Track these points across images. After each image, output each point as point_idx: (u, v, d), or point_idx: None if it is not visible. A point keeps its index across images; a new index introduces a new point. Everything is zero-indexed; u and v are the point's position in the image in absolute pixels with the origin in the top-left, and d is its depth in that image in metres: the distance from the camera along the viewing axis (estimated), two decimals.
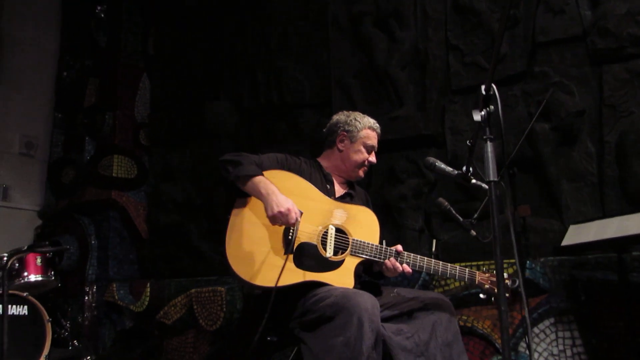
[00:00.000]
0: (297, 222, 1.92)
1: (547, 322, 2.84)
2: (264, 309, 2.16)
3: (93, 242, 4.54)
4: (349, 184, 2.45)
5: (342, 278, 2.00)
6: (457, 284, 3.08)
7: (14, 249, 3.32)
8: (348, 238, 2.07)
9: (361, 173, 2.36)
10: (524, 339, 2.82)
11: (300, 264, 1.97)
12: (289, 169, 2.22)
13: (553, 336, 2.82)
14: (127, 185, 4.70)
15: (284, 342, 2.26)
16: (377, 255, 2.06)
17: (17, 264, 3.35)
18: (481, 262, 3.06)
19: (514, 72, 3.36)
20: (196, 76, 4.72)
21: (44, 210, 4.95)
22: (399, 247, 2.10)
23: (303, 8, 4.29)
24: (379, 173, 3.74)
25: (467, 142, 1.63)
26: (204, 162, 4.52)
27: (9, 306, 3.08)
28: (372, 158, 2.37)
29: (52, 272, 3.56)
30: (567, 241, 2.71)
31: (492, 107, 1.37)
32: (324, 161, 2.43)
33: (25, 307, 3.19)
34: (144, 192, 4.80)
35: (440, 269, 2.06)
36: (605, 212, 3.02)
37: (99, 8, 5.12)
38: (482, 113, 1.37)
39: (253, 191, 2.01)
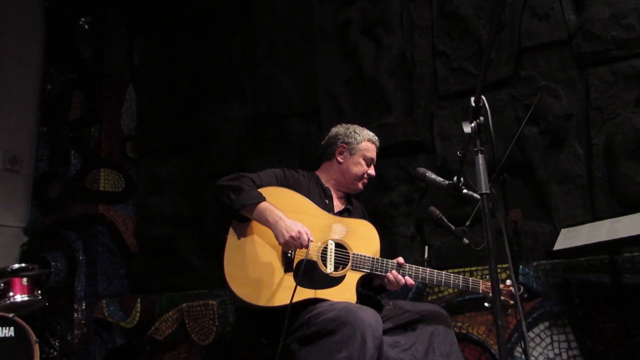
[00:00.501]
0: (310, 243, 1.90)
1: (541, 326, 2.83)
2: (258, 324, 2.14)
3: (81, 257, 4.47)
4: (347, 198, 2.43)
5: (344, 294, 1.97)
6: (450, 290, 3.06)
7: None
8: (348, 253, 2.05)
9: (360, 186, 2.34)
10: (519, 344, 2.81)
11: (300, 281, 1.94)
12: (287, 185, 2.19)
13: (548, 340, 2.81)
14: (114, 198, 4.65)
15: (279, 357, 2.23)
16: (379, 269, 2.03)
17: (2, 285, 3.29)
18: (474, 268, 3.05)
19: (500, 77, 3.38)
20: (183, 87, 4.69)
21: (30, 226, 4.88)
22: (401, 260, 2.07)
23: (289, 17, 4.29)
24: (369, 181, 3.72)
25: (458, 153, 1.62)
26: (192, 173, 4.48)
27: None
28: (372, 171, 2.36)
29: (39, 292, 3.49)
30: (558, 245, 2.71)
31: (482, 118, 1.36)
32: (322, 174, 2.40)
33: (12, 328, 3.12)
34: (132, 205, 4.75)
35: (443, 279, 2.03)
36: (595, 214, 3.03)
37: (82, 20, 5.06)
38: (472, 125, 1.36)
39: (260, 219, 1.97)
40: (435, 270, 2.03)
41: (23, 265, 3.46)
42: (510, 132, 3.20)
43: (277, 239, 1.91)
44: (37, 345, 3.18)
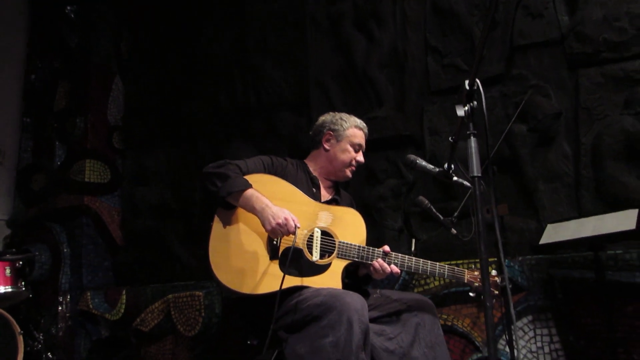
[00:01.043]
0: (297, 229, 1.89)
1: (525, 320, 2.87)
2: (244, 313, 2.13)
3: (65, 250, 4.41)
4: (335, 188, 2.43)
5: (329, 282, 1.97)
6: (437, 282, 3.09)
7: None
8: (334, 241, 2.04)
9: (348, 173, 2.34)
10: (503, 336, 2.83)
11: (287, 269, 1.93)
12: (275, 173, 2.18)
13: (531, 333, 2.85)
14: (100, 190, 4.59)
15: (265, 345, 2.22)
16: (365, 257, 2.03)
17: None
18: (460, 261, 3.08)
19: (492, 74, 3.40)
20: (171, 77, 4.65)
21: (13, 218, 4.79)
22: (386, 248, 2.07)
23: (281, 8, 4.27)
24: (357, 173, 3.73)
25: (450, 138, 1.62)
26: (179, 165, 4.45)
27: None
28: (360, 157, 2.35)
29: (23, 283, 3.44)
30: (544, 240, 2.74)
31: (475, 102, 1.37)
32: (310, 163, 2.40)
33: None
34: (118, 197, 4.70)
35: (428, 269, 2.04)
36: (581, 213, 3.06)
37: (68, 8, 4.98)
38: (466, 108, 1.37)
39: (246, 206, 1.96)
40: (421, 260, 2.04)
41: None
42: (499, 128, 3.22)
43: (264, 226, 1.90)
44: (20, 337, 3.13)
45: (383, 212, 3.52)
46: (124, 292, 4.03)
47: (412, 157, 2.00)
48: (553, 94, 3.28)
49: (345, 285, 2.03)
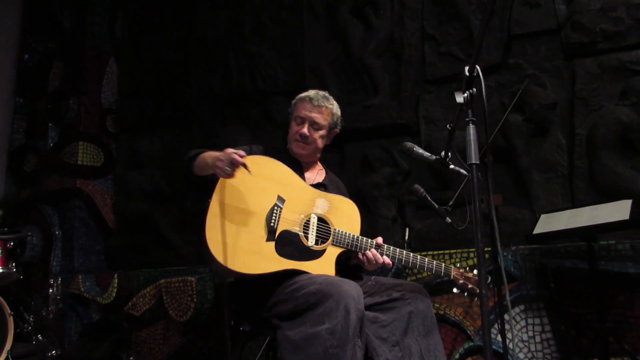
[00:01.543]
0: (244, 158, 1.85)
1: (517, 309, 2.88)
2: (236, 298, 2.12)
3: (57, 232, 4.39)
4: (323, 172, 2.40)
5: (324, 267, 1.96)
6: (429, 272, 3.09)
7: None
8: (330, 228, 2.04)
9: (295, 148, 2.24)
10: (495, 325, 2.85)
11: (281, 251, 1.93)
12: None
13: (523, 323, 2.87)
14: (93, 173, 4.56)
15: (257, 332, 2.22)
16: (358, 246, 2.02)
17: None
18: (453, 251, 3.09)
19: (488, 64, 3.39)
20: (166, 61, 4.60)
21: (5, 200, 4.75)
22: (380, 240, 2.07)
23: None
24: (352, 161, 3.73)
25: (448, 126, 1.61)
26: (173, 149, 4.42)
27: None
28: (303, 130, 2.20)
29: (14, 264, 3.43)
30: (538, 229, 2.75)
31: (474, 89, 1.35)
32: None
33: None
34: (111, 180, 4.67)
35: (418, 262, 2.04)
36: (575, 203, 3.08)
37: None
38: (465, 95, 1.35)
39: (204, 166, 1.97)
40: (412, 253, 2.03)
41: None
42: (495, 118, 3.21)
43: (218, 174, 1.88)
44: (11, 318, 3.13)
45: (377, 200, 3.52)
46: (115, 276, 4.02)
47: (409, 144, 1.99)
48: (549, 83, 3.27)
49: (339, 274, 2.02)
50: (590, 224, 2.51)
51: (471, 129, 1.34)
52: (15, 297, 3.89)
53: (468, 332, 2.95)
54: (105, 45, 4.87)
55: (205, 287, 3.58)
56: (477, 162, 1.33)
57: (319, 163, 2.38)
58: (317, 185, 2.27)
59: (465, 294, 2.07)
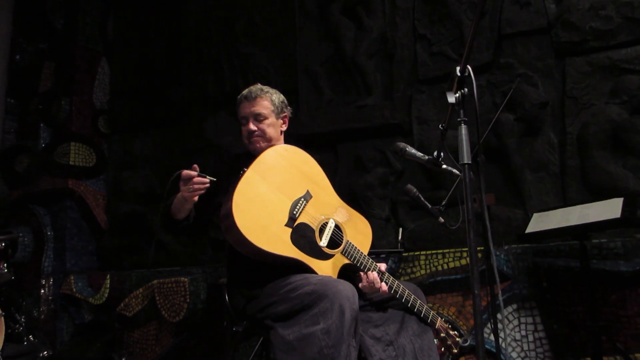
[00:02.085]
0: (201, 176, 1.90)
1: (510, 309, 2.89)
2: (230, 298, 2.11)
3: (49, 233, 4.37)
4: None
5: (329, 271, 1.97)
6: (422, 272, 3.10)
7: None
8: (343, 237, 2.05)
9: (252, 146, 2.24)
10: (487, 325, 2.86)
11: (295, 241, 1.93)
12: None
13: (516, 322, 2.87)
14: (85, 173, 4.54)
15: (250, 333, 2.22)
16: (364, 265, 2.03)
17: None
18: (446, 250, 3.09)
19: (479, 63, 3.40)
20: (158, 61, 4.58)
21: None
22: (383, 267, 2.07)
23: None
24: (345, 161, 3.73)
25: (440, 126, 1.61)
26: (166, 150, 4.41)
27: None
28: (250, 126, 2.20)
29: (5, 265, 3.40)
30: (531, 228, 2.76)
31: (466, 89, 1.36)
32: None
33: None
34: (103, 180, 4.65)
35: (410, 301, 2.03)
36: (567, 202, 3.09)
37: None
38: (457, 95, 1.36)
39: (178, 204, 2.02)
40: (407, 290, 2.02)
41: None
42: (487, 117, 3.22)
43: (187, 197, 1.93)
44: (2, 318, 3.10)
45: (370, 200, 3.52)
46: (108, 276, 4.00)
47: (402, 144, 1.99)
48: (540, 82, 3.29)
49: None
50: (582, 222, 2.52)
51: (463, 128, 1.34)
52: (7, 297, 3.86)
53: (461, 331, 2.96)
54: (96, 45, 4.85)
55: (198, 288, 3.57)
56: (470, 161, 1.33)
57: None
58: None
59: (442, 348, 2.09)
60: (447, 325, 2.12)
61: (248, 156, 2.21)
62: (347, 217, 2.12)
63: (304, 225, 1.98)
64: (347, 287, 1.76)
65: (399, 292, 2.02)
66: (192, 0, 4.53)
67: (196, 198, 1.95)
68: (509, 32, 3.39)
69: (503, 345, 2.78)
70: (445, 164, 1.79)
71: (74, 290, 4.08)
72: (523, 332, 2.85)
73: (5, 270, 3.37)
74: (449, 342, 2.07)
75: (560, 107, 3.25)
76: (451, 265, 3.05)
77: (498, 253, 2.96)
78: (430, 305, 3.02)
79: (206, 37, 4.40)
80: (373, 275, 2.00)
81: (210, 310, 3.52)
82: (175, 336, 3.64)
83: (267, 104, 2.23)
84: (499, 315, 2.66)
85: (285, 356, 1.72)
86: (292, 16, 4.09)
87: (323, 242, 2.00)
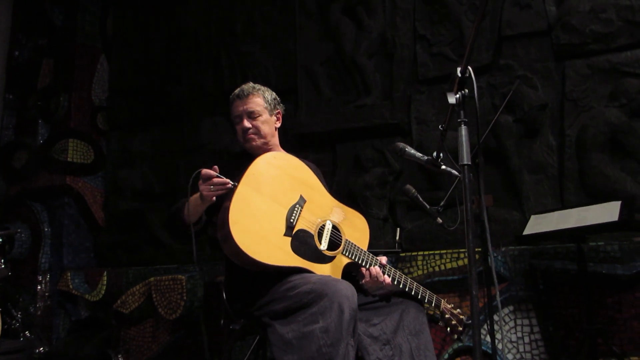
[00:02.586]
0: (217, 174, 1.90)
1: (506, 310, 2.89)
2: (228, 296, 2.11)
3: (46, 229, 4.37)
4: None
5: (332, 273, 1.98)
6: (420, 272, 3.10)
7: None
8: (341, 237, 2.05)
9: (247, 145, 2.24)
10: (484, 326, 2.86)
11: (296, 248, 1.93)
12: None
13: (512, 323, 2.88)
14: (83, 170, 4.54)
15: (247, 331, 2.22)
16: (365, 261, 2.04)
17: None
18: (444, 251, 3.09)
19: (479, 64, 3.40)
20: (157, 59, 4.58)
21: None
22: (384, 260, 2.08)
23: None
24: (344, 161, 3.73)
25: (440, 126, 1.61)
26: (164, 147, 4.40)
27: None
28: (244, 124, 2.20)
29: (2, 261, 3.40)
30: (528, 230, 2.76)
31: (466, 90, 1.36)
32: None
33: None
34: (102, 177, 4.65)
35: (414, 288, 2.05)
36: (564, 204, 3.10)
37: None
38: (457, 96, 1.36)
39: (195, 205, 2.00)
40: (409, 279, 2.05)
41: None
42: (486, 119, 3.23)
43: (207, 196, 1.92)
44: None
45: (368, 200, 3.52)
46: (105, 273, 4.00)
47: (401, 144, 1.99)
48: (539, 84, 3.29)
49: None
50: (579, 225, 2.52)
51: (463, 129, 1.35)
52: (3, 293, 3.87)
53: (456, 337, 2.96)
54: (96, 42, 4.85)
55: (195, 286, 3.57)
56: (469, 162, 1.33)
57: (280, 148, 2.36)
58: None
59: (448, 329, 2.11)
60: (450, 306, 2.13)
61: (246, 155, 2.21)
62: (343, 216, 2.12)
63: (302, 232, 1.97)
64: (346, 286, 1.76)
65: (402, 281, 2.04)
66: None
67: (214, 198, 1.93)
68: (509, 34, 3.40)
69: (499, 346, 2.78)
70: (444, 164, 1.79)
71: (71, 286, 4.07)
72: (519, 334, 2.86)
73: (2, 266, 3.37)
74: (454, 322, 2.08)
75: (559, 109, 3.26)
76: (448, 266, 3.05)
77: (495, 254, 2.96)
78: (427, 305, 3.02)
79: (205, 35, 4.40)
80: (376, 269, 2.02)
81: (207, 308, 3.52)
82: (172, 334, 3.64)
83: (260, 100, 2.23)
84: (495, 317, 2.67)
85: (283, 354, 1.72)
86: (292, 15, 4.09)
87: (323, 246, 2.00)
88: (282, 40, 4.11)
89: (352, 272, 2.12)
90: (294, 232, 1.96)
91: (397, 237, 3.33)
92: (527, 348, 2.81)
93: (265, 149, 2.24)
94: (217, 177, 1.89)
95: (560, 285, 2.82)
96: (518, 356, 2.82)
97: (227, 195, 1.91)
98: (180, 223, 2.08)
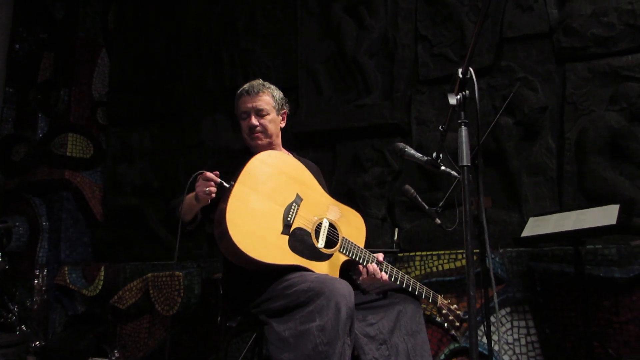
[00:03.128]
0: (216, 178, 1.89)
1: (503, 312, 2.90)
2: (225, 293, 2.12)
3: (44, 223, 4.36)
4: (291, 156, 2.38)
5: (330, 271, 1.99)
6: (417, 272, 3.10)
7: None
8: (338, 235, 2.05)
9: (252, 142, 2.22)
10: (480, 327, 2.86)
11: (293, 247, 1.94)
12: None
13: (508, 325, 2.88)
14: (82, 165, 4.53)
15: (244, 328, 2.22)
16: (362, 258, 2.04)
17: None
18: (442, 252, 3.09)
19: (480, 66, 3.40)
20: (158, 55, 4.57)
21: None
22: (380, 257, 2.09)
23: None
24: (343, 160, 3.73)
25: (440, 127, 1.61)
26: (164, 144, 4.40)
27: None
28: (252, 121, 2.18)
29: (0, 254, 3.39)
30: (526, 232, 2.76)
31: (467, 91, 1.36)
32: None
33: None
34: (100, 172, 4.64)
35: (410, 284, 2.07)
36: (563, 207, 3.10)
37: None
38: (458, 97, 1.36)
39: (190, 205, 1.99)
40: (406, 275, 2.07)
41: None
42: (486, 120, 3.23)
43: (202, 197, 1.90)
44: None
45: (367, 200, 3.52)
46: (102, 268, 3.99)
47: (401, 144, 1.99)
48: (540, 87, 3.29)
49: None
50: (577, 228, 2.53)
51: (463, 130, 1.34)
52: (0, 286, 3.86)
53: (453, 333, 2.97)
54: (97, 37, 4.85)
55: (193, 282, 3.57)
56: (468, 164, 1.33)
57: (283, 149, 2.36)
58: None
59: (446, 324, 2.12)
60: (447, 302, 2.15)
61: (247, 152, 2.21)
62: (339, 214, 2.13)
63: (299, 230, 1.98)
64: (343, 285, 1.76)
65: (399, 278, 2.06)
66: None
67: (209, 200, 1.93)
68: (511, 36, 3.40)
69: (496, 348, 2.79)
70: (443, 165, 1.79)
71: (68, 281, 4.07)
72: (515, 336, 2.86)
73: (0, 260, 3.36)
74: (451, 317, 2.12)
75: (559, 112, 3.26)
76: (446, 266, 3.05)
77: (493, 256, 2.96)
78: (424, 306, 3.02)
79: (207, 32, 4.39)
80: (373, 266, 2.04)
81: (204, 305, 3.52)
82: (168, 330, 3.64)
83: (269, 99, 2.22)
84: (492, 318, 2.67)
85: (280, 352, 1.72)
86: (293, 13, 4.08)
87: (320, 244, 2.01)
88: (283, 38, 4.11)
89: (349, 270, 2.13)
90: (291, 230, 1.96)
91: (396, 237, 3.33)
92: (524, 350, 2.82)
93: (269, 148, 2.23)
94: (218, 181, 1.88)
95: (558, 288, 2.82)
96: (514, 358, 2.82)
97: (223, 195, 1.90)
98: (175, 221, 2.07)
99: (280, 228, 1.95)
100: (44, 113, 4.67)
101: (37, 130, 4.63)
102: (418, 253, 3.16)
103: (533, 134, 3.27)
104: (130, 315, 3.79)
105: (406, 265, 3.12)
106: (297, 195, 2.03)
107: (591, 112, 3.15)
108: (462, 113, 1.37)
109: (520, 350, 2.82)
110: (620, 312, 2.66)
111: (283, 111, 2.29)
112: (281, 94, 2.29)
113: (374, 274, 2.04)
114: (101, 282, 3.96)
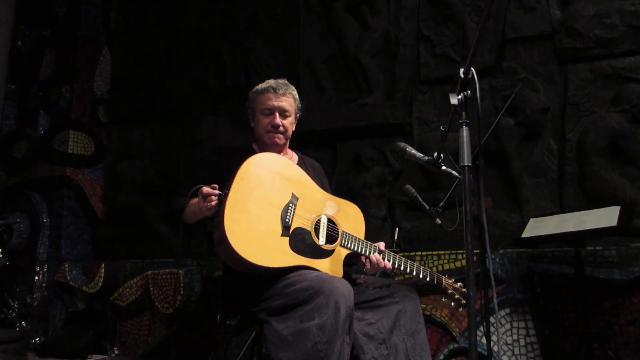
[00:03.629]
0: (219, 193, 1.88)
1: (502, 312, 2.90)
2: (225, 292, 2.12)
3: (45, 220, 4.37)
4: (297, 155, 2.39)
5: (334, 267, 1.99)
6: None
7: None
8: (338, 229, 2.06)
9: (269, 140, 2.22)
10: (480, 328, 2.86)
11: (295, 247, 1.94)
12: None
13: (508, 326, 2.88)
14: (83, 162, 4.54)
15: (244, 326, 2.22)
16: (364, 250, 2.05)
17: None
18: (442, 252, 3.09)
19: (482, 66, 3.40)
20: (160, 53, 4.57)
21: None
22: (382, 246, 2.10)
23: None
24: (344, 160, 3.73)
25: (441, 127, 1.61)
26: (165, 141, 4.40)
27: None
28: (276, 120, 2.19)
29: (0, 250, 3.39)
30: (527, 233, 2.76)
31: (469, 91, 1.36)
32: (255, 146, 2.35)
33: None
34: (101, 170, 4.65)
35: (414, 270, 2.07)
36: (563, 208, 3.10)
37: None
38: (459, 97, 1.36)
39: (193, 215, 2.01)
40: (409, 261, 2.07)
41: None
42: (487, 121, 3.23)
43: (205, 212, 1.91)
44: None
45: (368, 199, 3.52)
46: (102, 265, 4.00)
47: (402, 144, 1.99)
48: (542, 88, 3.29)
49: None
50: (577, 229, 2.53)
51: (464, 131, 1.34)
52: (1, 283, 3.87)
53: (453, 333, 2.97)
54: (99, 35, 4.85)
55: (193, 280, 3.57)
56: (469, 164, 1.33)
57: (288, 149, 2.37)
58: None
59: (453, 303, 2.13)
60: (451, 281, 2.16)
61: (248, 151, 2.21)
62: (336, 208, 2.13)
63: (299, 230, 1.98)
64: (343, 284, 1.77)
65: (402, 264, 2.07)
66: None
67: (212, 212, 1.93)
68: (513, 37, 3.40)
69: (495, 348, 2.79)
70: (444, 165, 1.79)
71: (68, 277, 4.07)
72: (515, 336, 2.86)
73: (0, 256, 3.36)
74: (457, 296, 2.13)
75: (560, 113, 3.26)
76: (446, 267, 3.05)
77: (493, 257, 2.96)
78: (424, 306, 3.03)
79: (208, 31, 4.39)
80: (375, 256, 2.05)
81: (203, 303, 3.52)
82: (168, 327, 3.64)
83: (292, 101, 2.24)
84: (492, 319, 2.67)
85: (279, 350, 1.72)
86: (296, 12, 4.08)
87: (321, 240, 2.01)
88: (285, 37, 4.11)
89: (352, 262, 2.13)
90: (290, 231, 1.96)
91: (396, 237, 3.30)
92: (523, 351, 2.82)
93: (282, 149, 2.27)
94: (217, 194, 1.88)
95: (558, 289, 2.82)
96: (513, 358, 2.82)
97: (220, 204, 1.89)
98: (180, 220, 2.10)
99: (280, 230, 1.95)
100: (45, 110, 4.68)
101: (39, 127, 4.64)
102: (418, 253, 3.16)
103: (534, 134, 3.27)
104: (130, 312, 3.79)
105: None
106: (293, 194, 2.02)
107: (593, 114, 3.15)
108: (464, 113, 1.37)
109: (520, 351, 2.82)
110: (620, 313, 2.66)
111: (297, 115, 2.31)
112: (298, 98, 2.31)
113: (377, 263, 2.05)
114: (101, 279, 3.97)
